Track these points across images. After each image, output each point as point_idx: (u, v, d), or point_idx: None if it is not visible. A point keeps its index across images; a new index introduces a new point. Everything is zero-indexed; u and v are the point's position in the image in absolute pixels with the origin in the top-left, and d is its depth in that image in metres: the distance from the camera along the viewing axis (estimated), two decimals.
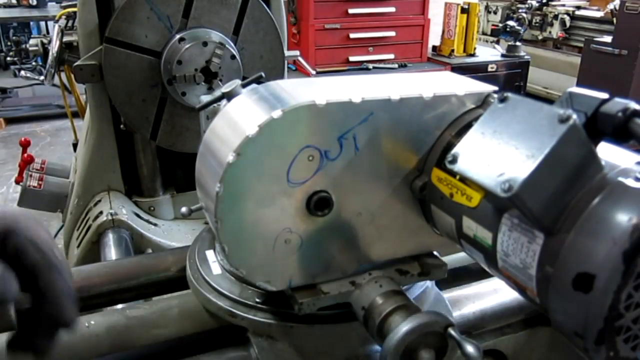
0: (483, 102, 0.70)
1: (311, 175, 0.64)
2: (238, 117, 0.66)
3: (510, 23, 5.45)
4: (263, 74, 0.87)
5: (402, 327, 0.63)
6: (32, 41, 2.05)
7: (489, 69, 4.89)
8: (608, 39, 5.19)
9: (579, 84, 5.33)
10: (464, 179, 0.60)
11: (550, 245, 0.51)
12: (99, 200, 1.61)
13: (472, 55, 4.96)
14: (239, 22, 1.48)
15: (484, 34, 6.92)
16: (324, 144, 0.63)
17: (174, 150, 1.58)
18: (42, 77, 1.88)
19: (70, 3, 2.13)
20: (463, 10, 4.73)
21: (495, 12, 7.07)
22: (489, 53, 5.20)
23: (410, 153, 0.69)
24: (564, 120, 0.48)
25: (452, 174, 0.64)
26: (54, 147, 5.32)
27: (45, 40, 2.03)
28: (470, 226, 0.62)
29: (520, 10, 6.57)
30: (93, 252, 1.51)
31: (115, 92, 1.44)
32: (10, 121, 6.00)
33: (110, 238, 1.47)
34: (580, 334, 0.48)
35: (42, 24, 6.78)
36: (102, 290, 0.94)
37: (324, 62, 4.37)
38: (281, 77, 1.58)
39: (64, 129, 5.65)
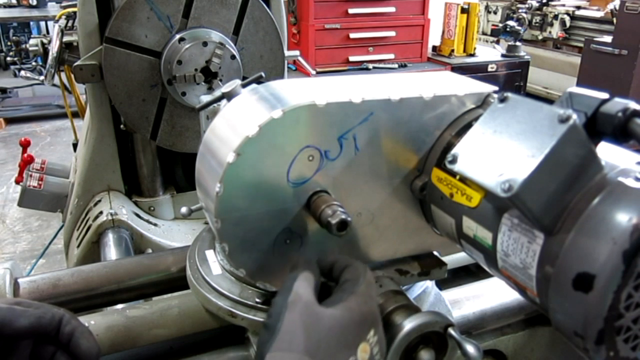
0: (483, 102, 0.70)
1: (311, 175, 0.64)
2: (238, 117, 0.66)
3: (510, 23, 5.45)
4: (263, 74, 0.86)
5: (402, 327, 0.63)
6: (32, 41, 2.04)
7: (489, 69, 4.88)
8: (608, 39, 5.19)
9: (579, 84, 5.33)
10: (464, 179, 0.60)
11: (550, 245, 0.51)
12: (99, 200, 1.61)
13: (472, 55, 4.95)
14: (239, 22, 1.48)
15: (484, 34, 6.92)
16: (324, 144, 0.63)
17: (174, 150, 1.58)
18: (42, 77, 1.88)
19: (70, 3, 2.13)
20: (463, 10, 4.73)
21: (495, 12, 7.07)
22: (489, 53, 5.20)
23: (410, 153, 0.69)
24: (564, 120, 0.48)
25: (452, 174, 0.64)
26: (54, 147, 5.32)
27: (45, 40, 2.02)
28: (470, 226, 0.62)
29: (520, 10, 6.56)
30: (93, 252, 1.51)
31: (115, 92, 1.43)
32: (10, 121, 6.00)
33: (110, 238, 1.47)
34: (581, 334, 0.48)
35: (42, 24, 6.79)
36: (102, 290, 0.94)
37: (324, 62, 4.36)
38: (281, 77, 1.58)
39: (64, 129, 5.66)
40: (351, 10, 4.33)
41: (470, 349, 0.62)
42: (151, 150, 1.66)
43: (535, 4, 6.47)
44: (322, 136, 0.63)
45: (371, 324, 0.54)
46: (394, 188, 0.70)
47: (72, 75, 1.62)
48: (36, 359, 0.62)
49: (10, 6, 6.43)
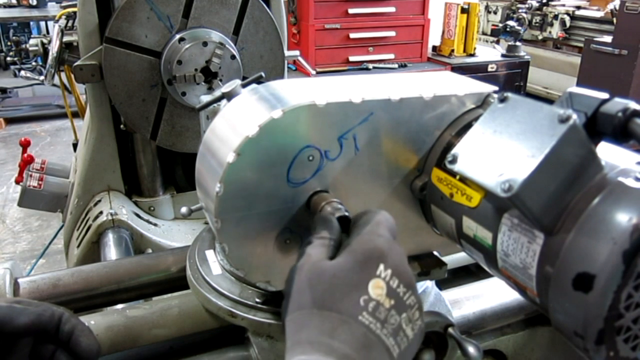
0: (483, 102, 0.70)
1: (311, 175, 0.64)
2: (238, 117, 0.66)
3: (510, 23, 5.45)
4: (263, 74, 0.86)
5: None
6: (32, 41, 2.04)
7: (489, 69, 4.88)
8: (608, 39, 5.19)
9: (579, 84, 5.33)
10: (464, 179, 0.60)
11: (550, 245, 0.51)
12: (99, 200, 1.61)
13: (472, 55, 4.95)
14: (239, 22, 1.48)
15: (484, 34, 6.92)
16: (324, 144, 0.63)
17: (174, 150, 1.58)
18: (42, 77, 1.88)
19: (70, 3, 2.13)
20: (463, 10, 4.73)
21: (495, 12, 7.07)
22: (489, 53, 5.20)
23: (410, 153, 0.69)
24: (564, 120, 0.48)
25: (452, 174, 0.64)
26: (54, 147, 5.32)
27: (45, 40, 2.02)
28: (470, 226, 0.62)
29: (520, 10, 6.57)
30: (93, 252, 1.51)
31: (115, 92, 1.43)
32: (10, 121, 6.00)
33: (110, 238, 1.47)
34: (581, 334, 0.48)
35: (42, 24, 6.79)
36: (102, 290, 0.94)
37: (324, 62, 4.36)
38: (281, 77, 1.58)
39: (64, 129, 5.66)
40: (351, 10, 4.33)
41: (470, 349, 0.62)
42: (151, 150, 1.66)
43: (535, 4, 6.47)
44: (322, 136, 0.63)
45: (378, 258, 0.52)
46: (394, 188, 0.70)
47: (72, 75, 1.62)
48: (36, 357, 0.62)
49: (10, 6, 6.43)
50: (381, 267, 0.51)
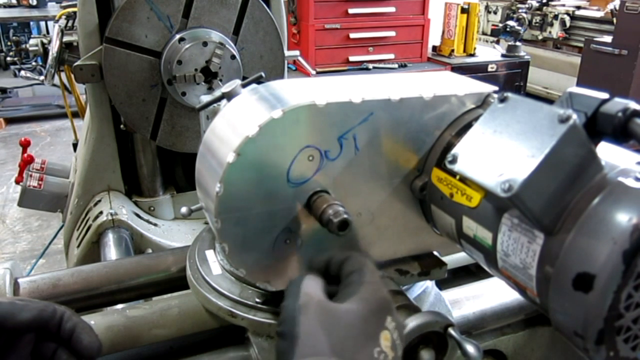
0: (483, 102, 0.70)
1: (311, 175, 0.64)
2: (238, 117, 0.66)
3: (510, 23, 5.44)
4: (263, 74, 0.87)
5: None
6: (32, 41, 2.05)
7: (489, 69, 4.88)
8: (608, 39, 5.19)
9: (579, 84, 5.33)
10: (464, 179, 0.60)
11: (550, 245, 0.51)
12: (99, 200, 1.61)
13: (472, 55, 4.95)
14: (239, 22, 1.48)
15: (484, 34, 6.92)
16: (324, 144, 0.63)
17: (174, 150, 1.58)
18: (42, 77, 1.88)
19: (70, 3, 2.13)
20: (463, 10, 4.73)
21: (495, 12, 7.07)
22: (489, 53, 5.20)
23: (410, 153, 0.69)
24: (564, 120, 0.48)
25: (452, 174, 0.64)
26: (54, 147, 5.32)
27: (45, 40, 2.02)
28: (470, 226, 0.62)
29: (520, 10, 6.56)
30: (93, 252, 1.51)
31: (115, 92, 1.44)
32: (10, 121, 6.00)
33: (110, 238, 1.47)
34: (581, 334, 0.48)
35: (42, 24, 6.79)
36: (102, 290, 0.94)
37: (324, 62, 4.36)
38: (281, 77, 1.58)
39: (64, 129, 5.66)
40: (351, 10, 4.33)
41: (470, 349, 0.62)
42: (151, 150, 1.66)
43: (535, 4, 6.47)
44: (322, 136, 0.63)
45: (387, 310, 0.53)
46: (394, 188, 0.70)
47: (72, 75, 1.62)
48: (37, 356, 0.62)
49: (10, 6, 6.43)
50: (389, 319, 0.53)
